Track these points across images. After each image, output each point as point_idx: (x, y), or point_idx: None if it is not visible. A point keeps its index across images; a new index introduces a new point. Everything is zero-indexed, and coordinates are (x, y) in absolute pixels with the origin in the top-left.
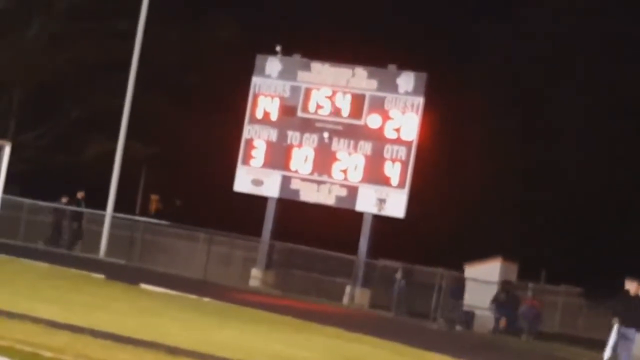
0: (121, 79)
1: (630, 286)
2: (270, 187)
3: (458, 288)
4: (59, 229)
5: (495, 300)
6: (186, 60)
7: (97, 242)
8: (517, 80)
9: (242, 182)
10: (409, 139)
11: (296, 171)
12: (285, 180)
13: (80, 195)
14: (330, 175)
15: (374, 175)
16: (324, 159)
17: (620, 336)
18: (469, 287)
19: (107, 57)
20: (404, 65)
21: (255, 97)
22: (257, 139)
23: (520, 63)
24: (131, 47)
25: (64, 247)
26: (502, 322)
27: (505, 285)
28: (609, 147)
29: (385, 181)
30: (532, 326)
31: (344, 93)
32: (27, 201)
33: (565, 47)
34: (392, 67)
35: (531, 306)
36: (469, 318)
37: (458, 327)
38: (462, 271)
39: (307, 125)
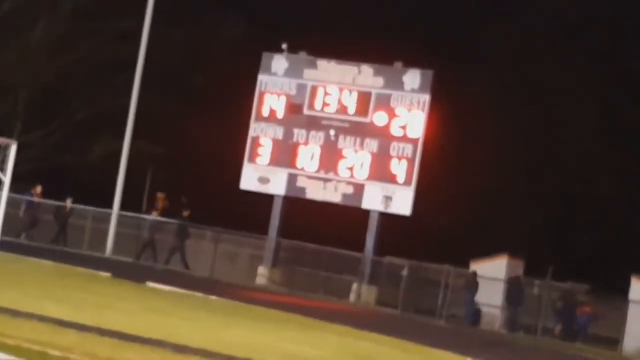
0: (127, 79)
1: None
2: (277, 185)
3: (516, 293)
4: (153, 244)
5: (553, 309)
6: (192, 59)
7: (103, 240)
8: (524, 76)
9: (249, 181)
10: (416, 137)
11: (303, 169)
12: (292, 178)
13: (186, 213)
14: (336, 173)
15: (381, 172)
16: (330, 157)
17: None
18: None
19: (113, 57)
20: (410, 63)
21: (262, 95)
22: (263, 137)
23: (527, 59)
24: (137, 47)
25: (160, 262)
26: (558, 329)
27: (565, 296)
28: (618, 143)
29: (391, 179)
30: (586, 331)
31: (351, 91)
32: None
33: (570, 41)
34: (398, 65)
35: (587, 313)
36: (514, 322)
37: (521, 333)
38: (468, 268)
39: (314, 123)
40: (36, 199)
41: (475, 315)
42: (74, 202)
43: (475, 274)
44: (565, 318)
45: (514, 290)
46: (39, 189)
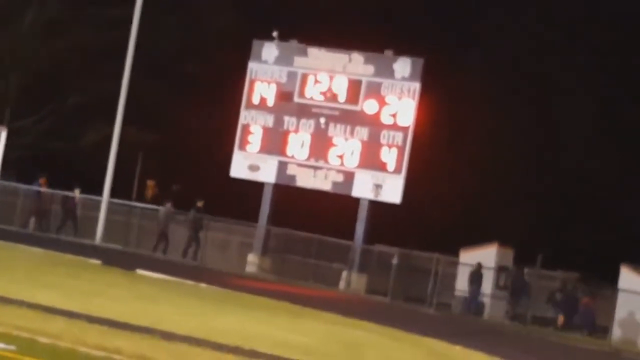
0: (118, 65)
1: None
2: (267, 173)
3: (519, 286)
4: (165, 235)
5: (552, 300)
6: (183, 46)
7: (93, 227)
8: (515, 64)
9: (239, 168)
10: (406, 125)
11: (292, 157)
12: (282, 166)
13: (200, 204)
14: (326, 161)
15: (371, 160)
16: (320, 145)
17: None
18: (464, 272)
19: (104, 43)
20: (400, 51)
21: (252, 82)
22: (253, 124)
23: (518, 47)
24: (128, 34)
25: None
26: (560, 320)
27: (564, 285)
28: (606, 131)
29: (381, 167)
30: (590, 324)
31: (341, 78)
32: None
33: (565, 30)
34: (388, 53)
35: (587, 306)
36: (515, 313)
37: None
38: (458, 256)
39: (304, 111)
40: (42, 189)
41: (479, 306)
42: (70, 189)
43: (480, 266)
44: (566, 309)
45: (517, 283)
46: (42, 180)
